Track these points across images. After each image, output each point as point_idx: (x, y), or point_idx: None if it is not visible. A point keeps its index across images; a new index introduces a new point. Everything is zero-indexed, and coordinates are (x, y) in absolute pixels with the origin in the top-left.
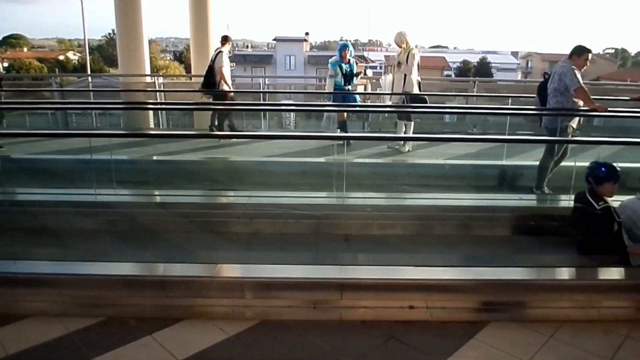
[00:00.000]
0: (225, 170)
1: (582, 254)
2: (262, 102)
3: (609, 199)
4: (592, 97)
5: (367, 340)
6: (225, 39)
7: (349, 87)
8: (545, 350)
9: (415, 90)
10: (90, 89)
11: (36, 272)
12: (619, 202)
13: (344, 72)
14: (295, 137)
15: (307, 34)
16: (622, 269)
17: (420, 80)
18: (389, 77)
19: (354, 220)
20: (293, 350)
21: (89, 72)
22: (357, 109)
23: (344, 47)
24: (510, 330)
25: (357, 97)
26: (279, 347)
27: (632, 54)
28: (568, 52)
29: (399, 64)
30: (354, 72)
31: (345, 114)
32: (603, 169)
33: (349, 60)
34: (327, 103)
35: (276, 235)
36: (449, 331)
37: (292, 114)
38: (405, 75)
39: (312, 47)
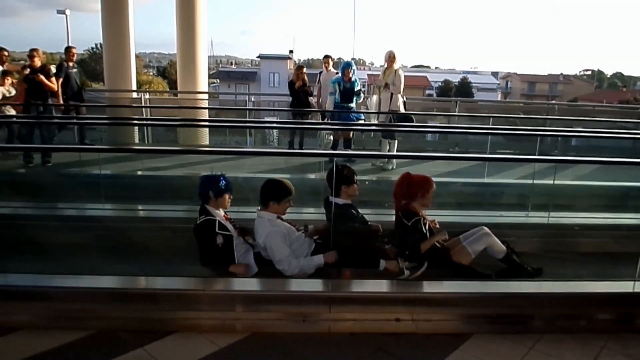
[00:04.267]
0: None
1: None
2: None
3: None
4: (571, 117)
5: (355, 352)
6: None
7: (352, 105)
8: None
9: (402, 110)
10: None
11: (26, 284)
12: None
13: (341, 89)
14: (285, 154)
15: (291, 51)
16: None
17: (405, 100)
18: (375, 97)
19: None
20: None
21: None
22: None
23: (347, 66)
24: (492, 342)
25: (359, 115)
26: (270, 359)
27: (608, 76)
28: (547, 73)
29: (386, 84)
30: (355, 90)
31: (350, 132)
32: (223, 180)
33: (351, 78)
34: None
35: None
36: (434, 343)
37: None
38: (392, 94)
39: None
